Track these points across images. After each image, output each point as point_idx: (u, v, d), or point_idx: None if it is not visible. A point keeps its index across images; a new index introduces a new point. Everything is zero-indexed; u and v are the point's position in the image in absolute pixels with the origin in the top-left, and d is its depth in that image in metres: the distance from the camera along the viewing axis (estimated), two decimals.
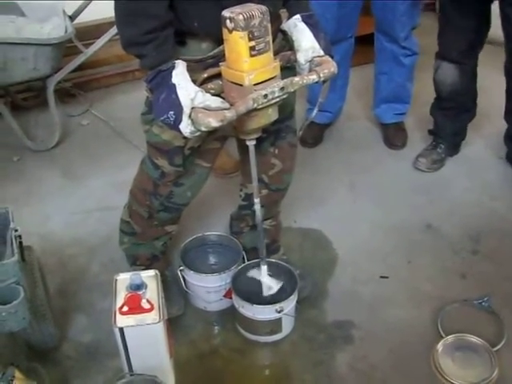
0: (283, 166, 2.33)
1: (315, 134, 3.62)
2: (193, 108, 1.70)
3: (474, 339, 2.32)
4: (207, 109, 1.70)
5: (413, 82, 3.57)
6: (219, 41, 1.77)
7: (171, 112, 1.71)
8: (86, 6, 3.60)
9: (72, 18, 3.58)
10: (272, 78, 1.77)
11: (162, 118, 1.75)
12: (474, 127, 3.46)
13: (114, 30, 3.38)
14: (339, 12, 3.12)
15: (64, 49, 3.46)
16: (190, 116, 1.70)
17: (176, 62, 1.75)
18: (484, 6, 2.97)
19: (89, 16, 3.78)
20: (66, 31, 3.40)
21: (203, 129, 1.70)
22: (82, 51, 3.52)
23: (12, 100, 3.89)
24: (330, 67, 1.87)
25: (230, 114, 1.70)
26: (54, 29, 3.38)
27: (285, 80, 1.79)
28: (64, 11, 3.50)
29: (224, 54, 1.77)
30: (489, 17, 3.02)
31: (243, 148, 2.14)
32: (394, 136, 3.65)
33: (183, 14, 1.79)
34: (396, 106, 3.61)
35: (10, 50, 3.18)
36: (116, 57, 4.18)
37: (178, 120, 1.71)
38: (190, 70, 1.77)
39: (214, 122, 1.68)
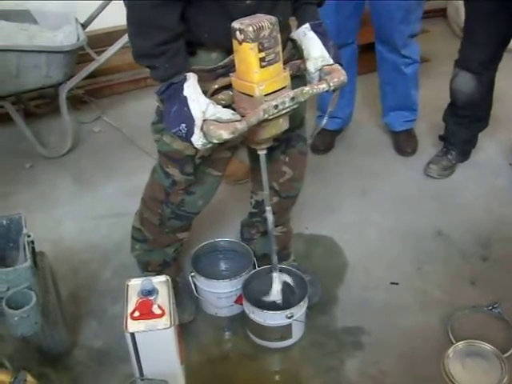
0: (294, 173, 2.34)
1: (326, 141, 3.63)
2: (204, 120, 1.70)
3: (484, 345, 2.31)
4: (218, 121, 1.70)
5: (418, 89, 3.57)
6: (229, 51, 1.78)
7: (183, 125, 1.72)
8: (98, 14, 3.62)
9: (84, 25, 3.60)
10: (282, 88, 1.78)
11: (173, 131, 1.76)
12: (485, 133, 3.44)
13: (125, 38, 3.39)
14: (337, 18, 3.13)
15: (76, 56, 3.49)
16: (201, 128, 1.70)
17: (187, 74, 1.75)
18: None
19: (101, 24, 3.81)
20: (78, 39, 3.43)
21: (215, 141, 1.70)
22: (95, 58, 3.54)
23: (25, 107, 3.92)
24: (340, 76, 1.87)
25: (241, 126, 1.70)
26: (66, 36, 3.41)
27: (295, 90, 1.80)
28: (76, 19, 3.53)
29: (233, 63, 1.78)
30: None
31: (254, 156, 2.15)
32: (404, 143, 3.65)
33: (194, 26, 1.79)
34: (404, 113, 3.61)
35: (23, 58, 3.20)
36: (128, 64, 4.19)
37: (190, 132, 1.71)
38: (200, 79, 1.77)
39: (226, 135, 1.68)
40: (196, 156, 2.08)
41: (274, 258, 2.27)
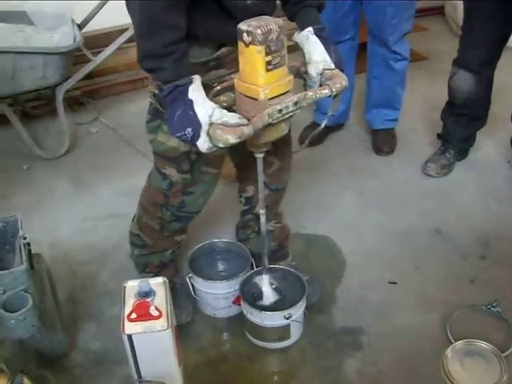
0: (281, 163, 2.33)
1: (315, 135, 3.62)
2: (210, 124, 1.68)
3: (483, 344, 2.30)
4: (225, 125, 1.68)
5: (404, 88, 3.57)
6: (221, 45, 1.80)
7: (189, 129, 1.69)
8: (94, 15, 3.61)
9: (81, 26, 3.60)
10: (286, 92, 1.77)
11: (178, 135, 1.73)
12: (483, 131, 3.45)
13: (122, 38, 3.40)
14: (334, 16, 3.16)
15: (73, 57, 3.49)
16: (207, 132, 1.68)
17: (193, 76, 1.72)
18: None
19: (97, 24, 3.80)
20: (74, 40, 3.43)
21: (221, 145, 1.69)
22: (91, 59, 3.53)
23: (21, 108, 3.91)
24: (342, 81, 1.87)
25: (247, 131, 1.68)
26: (62, 37, 3.41)
27: (298, 94, 1.79)
28: (73, 20, 3.52)
29: (225, 56, 1.81)
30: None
31: (239, 154, 2.18)
32: (382, 142, 3.65)
33: (191, 21, 1.78)
34: (387, 111, 3.61)
35: (19, 59, 3.20)
36: (125, 65, 4.20)
37: (196, 137, 1.70)
38: (193, 72, 1.76)
39: (232, 139, 1.66)
40: (191, 152, 2.06)
41: (265, 258, 2.28)
